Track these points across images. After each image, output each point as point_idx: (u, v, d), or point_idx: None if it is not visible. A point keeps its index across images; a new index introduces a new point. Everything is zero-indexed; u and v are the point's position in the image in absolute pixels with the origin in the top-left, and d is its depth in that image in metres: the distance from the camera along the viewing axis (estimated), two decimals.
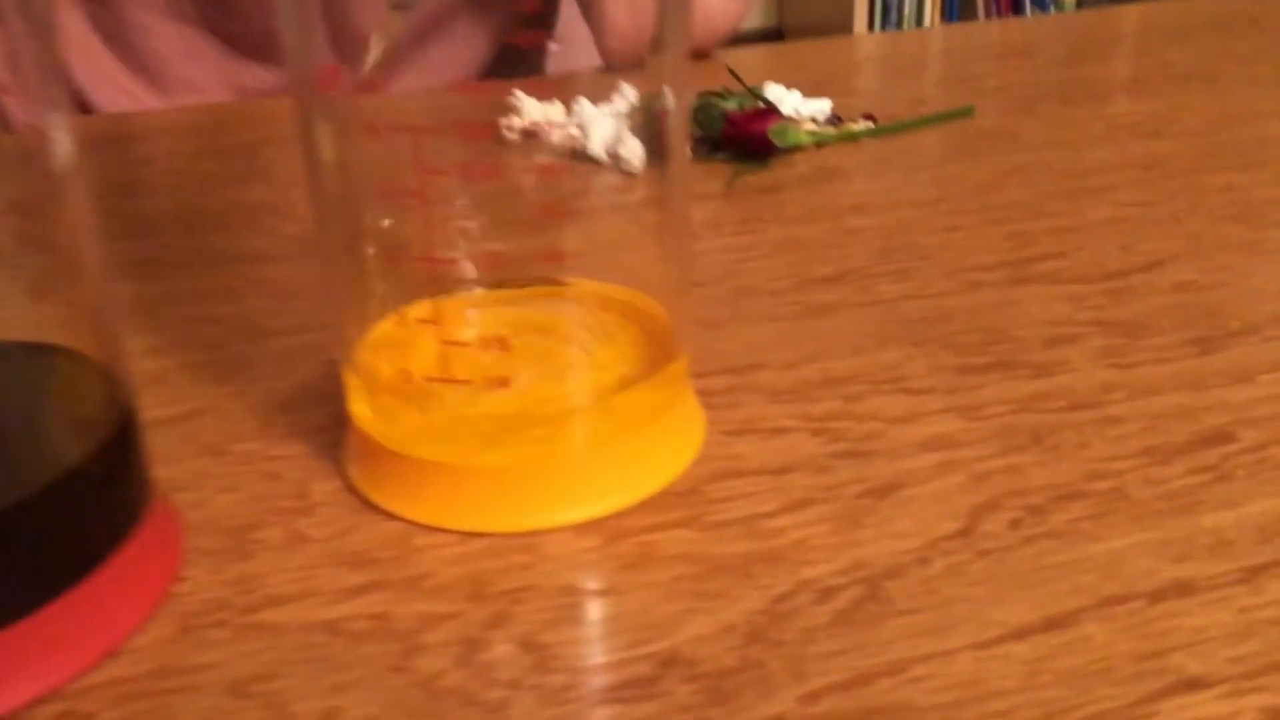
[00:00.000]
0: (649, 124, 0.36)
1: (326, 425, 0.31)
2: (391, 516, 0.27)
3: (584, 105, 0.42)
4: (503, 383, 0.26)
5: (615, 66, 0.44)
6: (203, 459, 0.30)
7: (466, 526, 0.27)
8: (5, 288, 0.24)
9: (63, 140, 0.23)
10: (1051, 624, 0.23)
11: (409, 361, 0.27)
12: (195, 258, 0.43)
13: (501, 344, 0.26)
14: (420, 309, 0.26)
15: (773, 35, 2.46)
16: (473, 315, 0.28)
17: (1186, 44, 0.68)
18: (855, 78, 0.66)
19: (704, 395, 0.32)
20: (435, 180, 0.24)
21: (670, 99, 0.29)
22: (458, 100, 0.31)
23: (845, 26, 2.16)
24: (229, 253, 0.44)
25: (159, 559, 0.26)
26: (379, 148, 0.28)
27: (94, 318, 0.24)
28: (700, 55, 0.70)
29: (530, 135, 0.48)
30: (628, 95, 0.38)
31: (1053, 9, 2.18)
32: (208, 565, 0.26)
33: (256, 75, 0.71)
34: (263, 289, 0.40)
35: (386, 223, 0.28)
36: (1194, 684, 0.22)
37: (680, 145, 0.28)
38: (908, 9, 2.19)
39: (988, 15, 2.19)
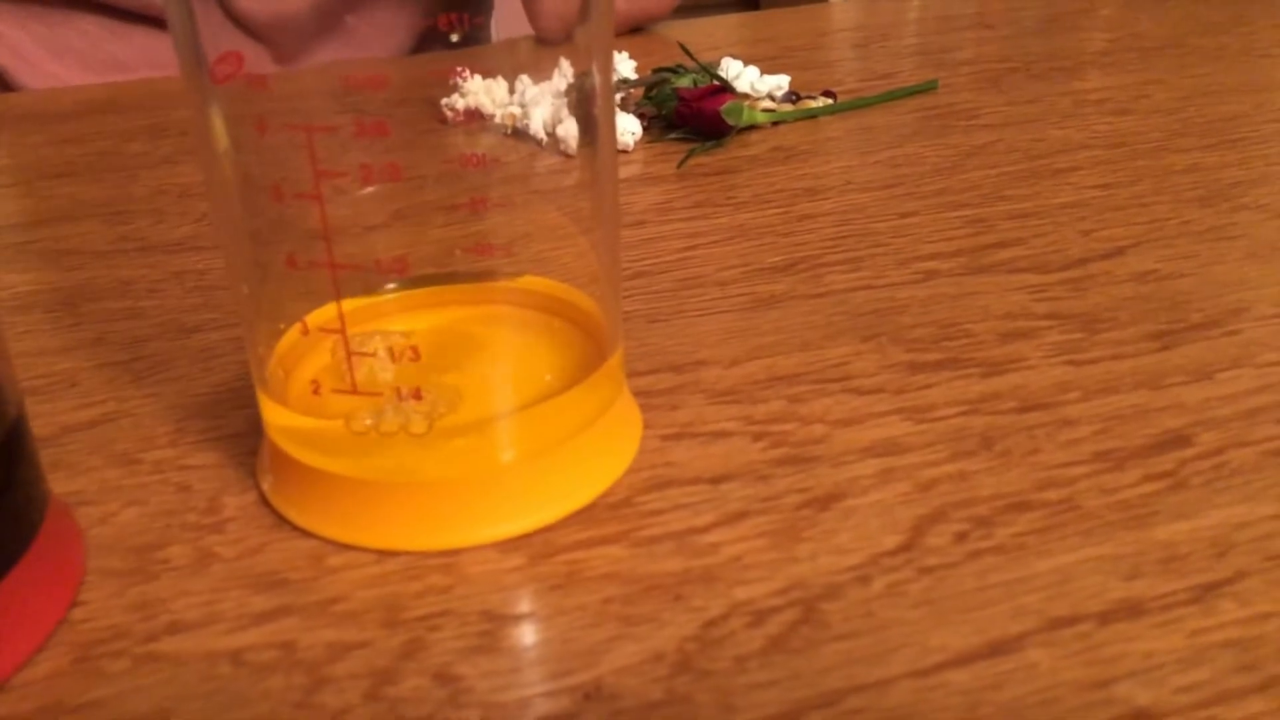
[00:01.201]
0: (581, 103, 0.34)
1: (244, 430, 0.30)
2: (306, 534, 0.26)
3: (526, 84, 0.40)
4: (415, 394, 0.24)
5: (548, 40, 0.42)
6: (112, 469, 0.29)
7: (383, 545, 0.25)
8: None
9: None
10: (994, 649, 0.22)
11: (316, 373, 0.25)
12: (120, 245, 0.41)
13: (413, 353, 0.25)
14: (321, 316, 0.24)
15: (749, 3, 2.43)
16: (380, 321, 0.26)
17: (1158, 14, 0.66)
18: (822, 50, 0.64)
19: (643, 395, 0.30)
20: (333, 179, 0.23)
21: (596, 77, 0.28)
22: (398, 76, 0.29)
23: None
24: (154, 240, 0.42)
25: (54, 582, 0.24)
26: (277, 142, 0.26)
27: None
28: (648, 21, 0.68)
29: (473, 115, 0.47)
30: (565, 73, 0.36)
31: None
32: (109, 588, 0.25)
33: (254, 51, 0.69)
34: (186, 280, 0.39)
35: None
36: (1141, 715, 0.21)
37: (607, 126, 0.27)
38: None
39: None
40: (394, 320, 0.26)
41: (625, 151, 0.50)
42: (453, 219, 0.27)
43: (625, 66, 0.58)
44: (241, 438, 0.30)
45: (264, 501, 0.27)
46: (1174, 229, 0.39)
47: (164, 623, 0.24)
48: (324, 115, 0.24)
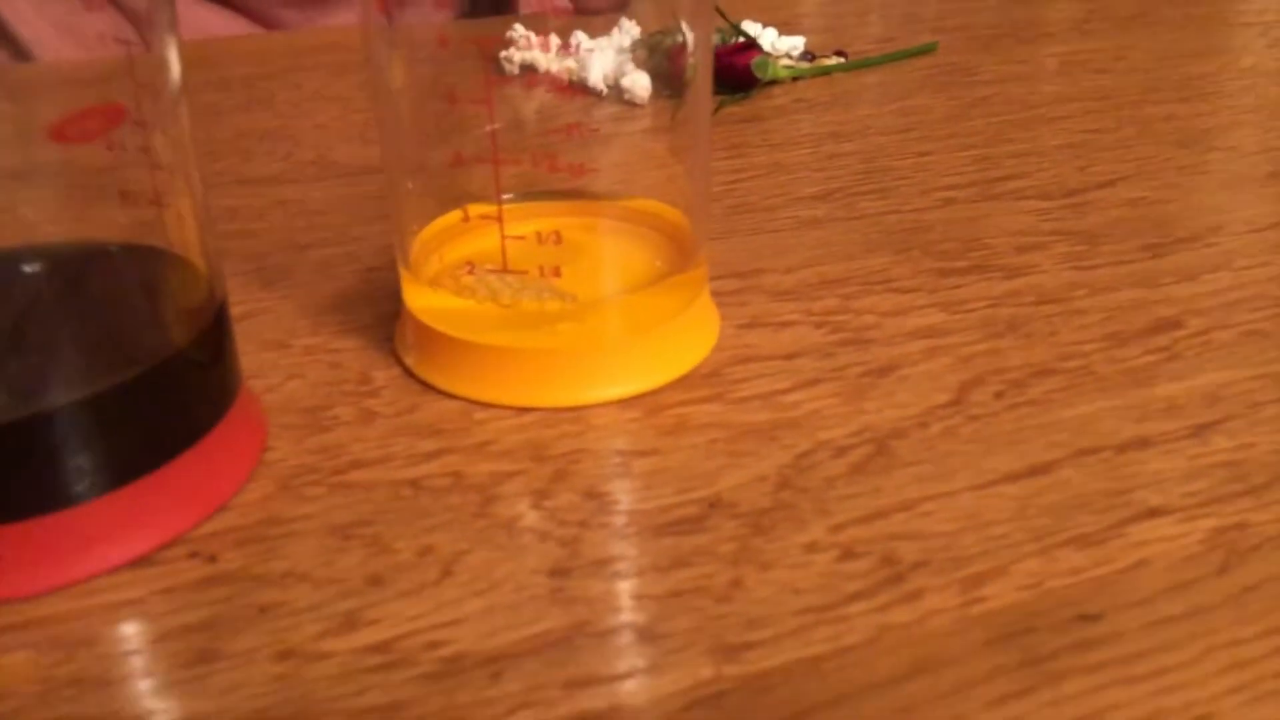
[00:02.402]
0: (655, 58, 0.39)
1: (374, 323, 0.35)
2: (450, 396, 0.31)
3: (581, 39, 0.45)
4: (555, 271, 0.29)
5: (589, 10, 0.47)
6: (268, 352, 0.33)
7: (520, 402, 0.30)
8: (113, 196, 0.27)
9: (174, 60, 0.26)
10: (1035, 470, 0.27)
11: (472, 253, 0.30)
12: (217, 179, 0.46)
13: (556, 237, 0.29)
14: (482, 208, 0.29)
15: None
16: (526, 217, 0.31)
17: None
18: (824, 17, 0.69)
19: (716, 295, 0.35)
20: (498, 91, 0.28)
21: (690, 35, 0.32)
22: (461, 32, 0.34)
23: None
24: (248, 175, 0.46)
25: (251, 431, 0.29)
26: (428, 65, 0.31)
27: (196, 223, 0.27)
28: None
29: (528, 68, 0.51)
30: (629, 30, 0.41)
31: None
32: (291, 438, 0.29)
33: (224, 20, 0.73)
34: (287, 208, 0.43)
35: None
36: (1155, 512, 0.26)
37: (705, 77, 0.31)
38: None
39: None
40: (516, 223, 0.31)
41: (640, 105, 0.54)
42: (566, 145, 0.32)
43: (633, 31, 0.63)
44: (374, 328, 0.34)
45: (408, 374, 0.32)
46: (1157, 165, 0.45)
47: (346, 460, 0.28)
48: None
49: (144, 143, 0.25)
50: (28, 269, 0.27)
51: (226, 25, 0.73)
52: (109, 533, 0.25)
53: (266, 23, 0.75)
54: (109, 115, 0.23)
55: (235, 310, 0.35)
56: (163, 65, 0.25)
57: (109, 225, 0.27)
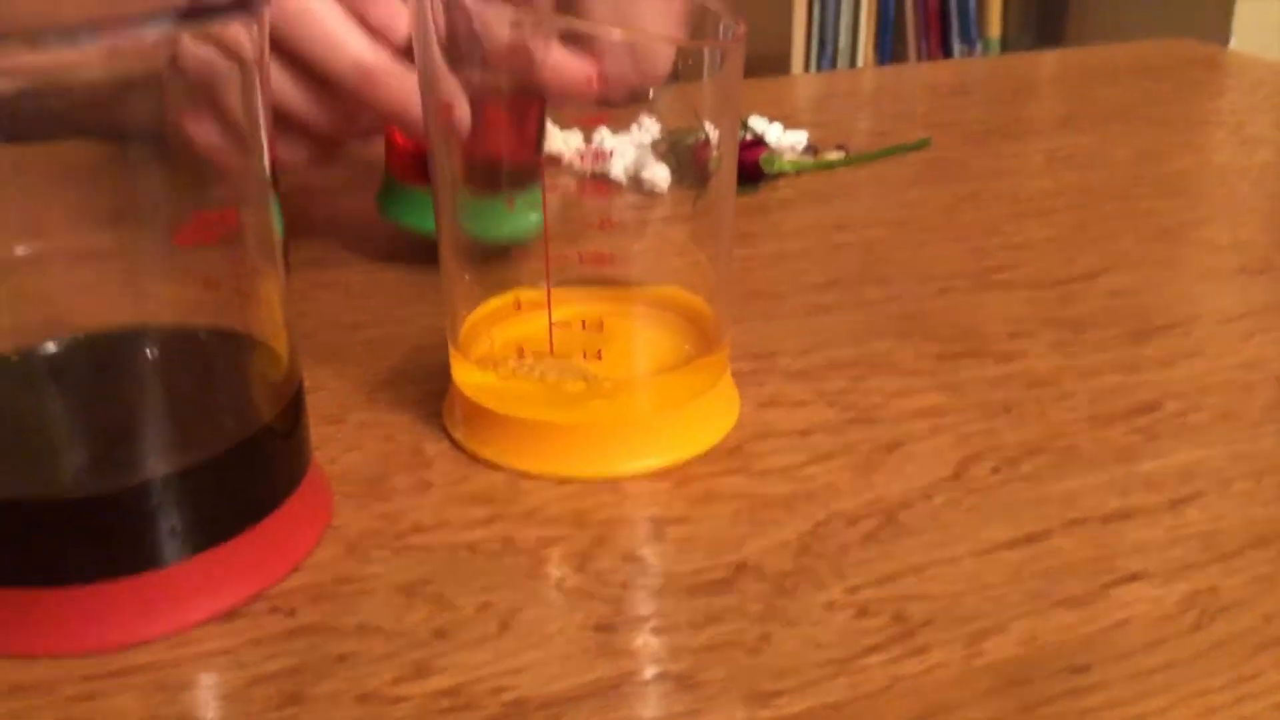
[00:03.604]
0: (678, 153, 0.42)
1: (423, 399, 0.38)
2: (497, 468, 0.34)
3: (604, 135, 0.49)
4: (598, 355, 0.33)
5: (609, 105, 0.51)
6: (326, 426, 0.36)
7: (562, 473, 0.33)
8: (200, 283, 0.30)
9: (271, 207, 0.29)
10: (1029, 539, 0.31)
11: (521, 337, 0.34)
12: None
13: (599, 324, 0.33)
14: (530, 293, 0.33)
15: None
16: (568, 303, 0.34)
17: (1109, 86, 0.77)
18: (814, 113, 0.74)
19: (736, 376, 0.39)
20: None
21: (714, 132, 0.36)
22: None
23: (783, 59, 2.26)
24: (295, 259, 0.49)
25: (320, 499, 0.32)
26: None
27: (280, 311, 0.30)
28: (636, 97, 0.77)
29: (552, 161, 0.55)
30: (649, 128, 0.45)
31: (979, 45, 2.31)
32: (353, 506, 0.32)
33: None
34: (333, 290, 0.46)
35: None
36: (1135, 576, 0.29)
37: (730, 169, 0.35)
38: (843, 40, 2.30)
39: (918, 49, 2.31)
40: (561, 309, 0.34)
41: (660, 194, 0.58)
42: (598, 236, 0.35)
43: (654, 127, 0.67)
44: (423, 404, 0.37)
45: (457, 447, 0.35)
46: (1137, 258, 0.49)
47: (407, 525, 0.31)
48: None
49: (239, 238, 0.29)
50: (129, 351, 0.30)
51: None
52: (201, 589, 0.28)
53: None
54: (225, 222, 0.27)
55: None
56: (260, 172, 0.29)
57: (198, 309, 0.31)
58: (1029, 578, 0.29)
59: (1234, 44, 1.80)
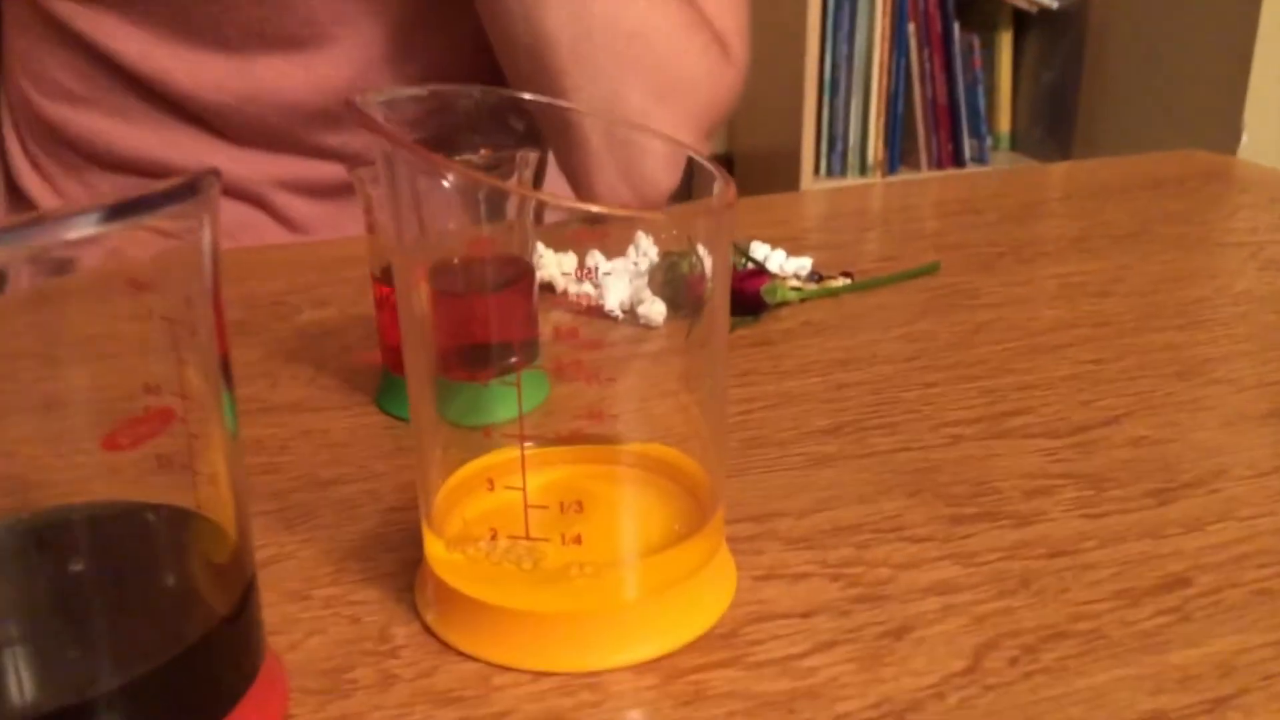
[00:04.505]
0: (673, 282, 0.40)
1: (396, 570, 0.35)
2: (469, 657, 0.31)
3: (600, 262, 0.47)
4: (576, 539, 0.30)
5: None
6: (290, 604, 0.34)
7: (538, 666, 0.30)
8: (150, 460, 0.28)
9: (207, 335, 0.27)
10: None
11: (493, 517, 0.31)
12: (244, 407, 0.47)
13: (578, 506, 0.30)
14: (506, 476, 0.30)
15: (723, 162, 2.57)
16: (545, 467, 0.32)
17: (1122, 202, 0.75)
18: (820, 233, 0.72)
19: (731, 541, 0.36)
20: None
21: (706, 262, 0.34)
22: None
23: (794, 154, 2.27)
24: (273, 402, 0.47)
25: (274, 699, 0.29)
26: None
27: (227, 487, 0.28)
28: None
29: (545, 289, 0.53)
30: (646, 250, 0.42)
31: (989, 139, 2.31)
32: (311, 704, 0.30)
33: (243, 213, 0.76)
34: (311, 438, 0.44)
35: None
36: None
37: (722, 310, 0.33)
38: (853, 138, 2.31)
39: (928, 144, 2.32)
40: (535, 474, 0.32)
41: (655, 328, 0.56)
42: (579, 388, 0.33)
43: (651, 251, 0.65)
44: (395, 575, 0.35)
45: (427, 630, 0.32)
46: (1159, 400, 0.46)
47: None
48: None
49: (182, 413, 0.26)
50: (56, 536, 0.28)
51: (242, 217, 0.76)
52: None
53: (283, 216, 0.78)
54: (159, 421, 0.24)
55: (258, 556, 0.36)
56: (208, 352, 0.27)
57: (144, 485, 0.28)
58: None
59: (1245, 140, 1.79)
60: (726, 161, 2.61)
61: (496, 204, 0.45)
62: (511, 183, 0.42)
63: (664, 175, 0.66)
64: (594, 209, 0.30)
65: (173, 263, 0.26)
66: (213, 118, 0.74)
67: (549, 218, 0.52)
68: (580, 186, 0.70)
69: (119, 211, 0.21)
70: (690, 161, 0.34)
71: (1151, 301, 0.57)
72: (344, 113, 0.76)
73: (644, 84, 0.67)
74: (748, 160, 2.51)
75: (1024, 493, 0.39)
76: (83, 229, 0.20)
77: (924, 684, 0.30)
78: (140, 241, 0.24)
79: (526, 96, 0.37)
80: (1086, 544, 0.36)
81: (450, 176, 0.30)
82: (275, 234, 0.78)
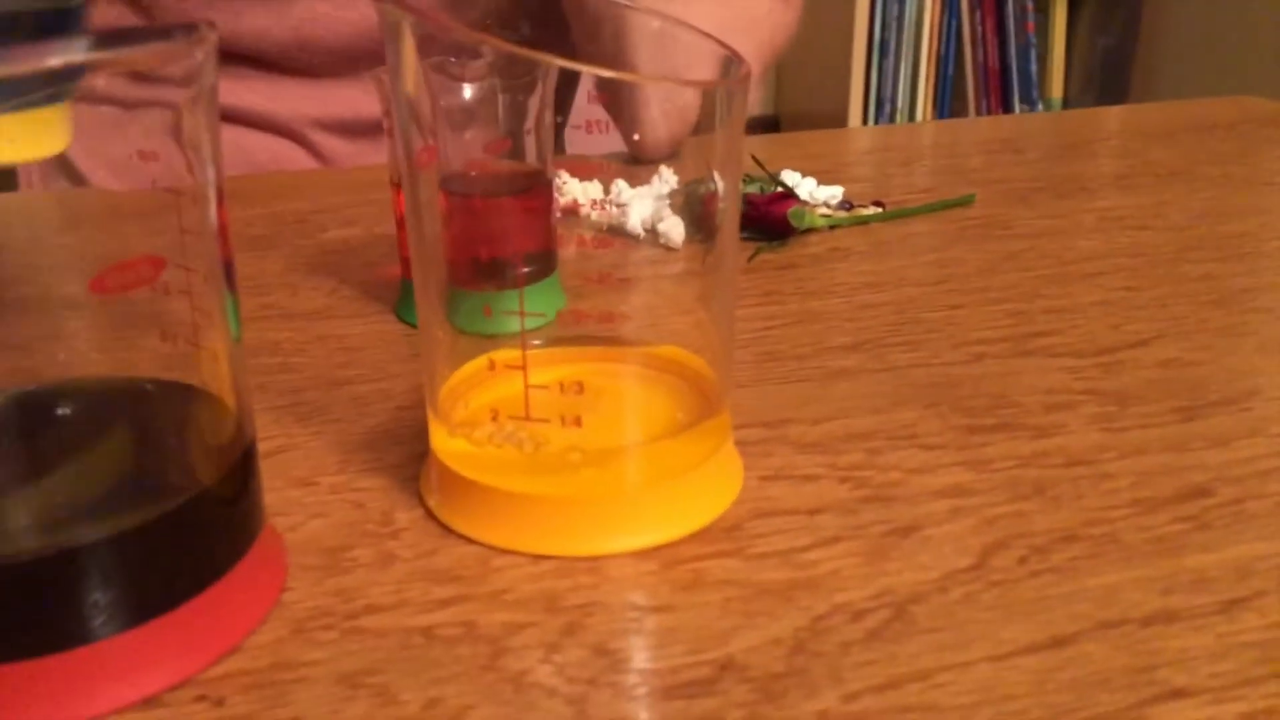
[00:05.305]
0: (691, 205, 0.40)
1: (402, 462, 0.35)
2: (469, 541, 0.31)
3: (622, 187, 0.46)
4: (576, 421, 0.30)
5: (644, 161, 0.49)
6: (294, 489, 0.34)
7: (538, 549, 0.30)
8: (152, 331, 0.28)
9: (213, 214, 0.27)
10: (1056, 643, 0.27)
11: (495, 401, 0.31)
12: (264, 313, 0.47)
13: (578, 387, 0.30)
14: (507, 355, 0.30)
15: (770, 125, 2.54)
16: (550, 364, 0.31)
17: (1169, 144, 0.73)
18: (857, 167, 0.71)
19: (740, 445, 0.35)
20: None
21: (720, 183, 0.33)
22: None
23: (840, 117, 2.24)
24: (293, 309, 0.47)
25: (270, 572, 0.29)
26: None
27: (227, 363, 0.28)
28: (676, 152, 0.75)
29: (569, 212, 0.53)
30: (668, 179, 0.42)
31: (1040, 105, 2.27)
32: (309, 579, 0.30)
33: (278, 146, 0.76)
34: (327, 343, 0.44)
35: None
36: (1179, 693, 0.25)
37: (732, 223, 0.32)
38: (901, 101, 2.27)
39: (978, 108, 2.28)
40: (549, 369, 0.31)
41: (675, 249, 0.55)
42: (594, 292, 0.33)
43: (672, 179, 0.65)
44: (401, 467, 0.35)
45: (430, 517, 0.32)
46: (1192, 325, 0.45)
47: (361, 605, 0.28)
48: None
49: (185, 285, 0.26)
50: (60, 405, 0.28)
51: (279, 152, 0.76)
52: (121, 673, 0.25)
53: (318, 152, 0.78)
54: (148, 268, 0.24)
55: (267, 446, 0.36)
56: (205, 216, 0.26)
57: (146, 359, 0.28)
58: (1053, 690, 0.25)
59: None
60: (773, 123, 2.59)
61: (517, 110, 0.44)
62: (541, 55, 0.41)
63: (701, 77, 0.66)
64: (606, 73, 0.29)
65: (172, 125, 0.25)
66: (252, 60, 0.74)
67: (571, 146, 0.51)
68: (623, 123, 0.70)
69: (111, 40, 0.21)
70: (727, 68, 0.34)
71: (1190, 235, 0.55)
72: (380, 49, 0.76)
73: (711, 11, 0.67)
74: (794, 122, 2.48)
75: (1044, 407, 0.38)
76: (70, 55, 0.20)
77: (928, 578, 0.29)
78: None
79: None
80: (1106, 455, 0.35)
81: (479, 47, 0.30)
82: (310, 168, 0.78)
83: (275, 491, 0.33)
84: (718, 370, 0.33)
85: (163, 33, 0.22)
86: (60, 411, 0.28)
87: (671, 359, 0.34)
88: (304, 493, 0.34)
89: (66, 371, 0.29)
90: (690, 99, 0.69)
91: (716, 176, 0.33)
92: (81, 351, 0.28)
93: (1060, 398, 0.39)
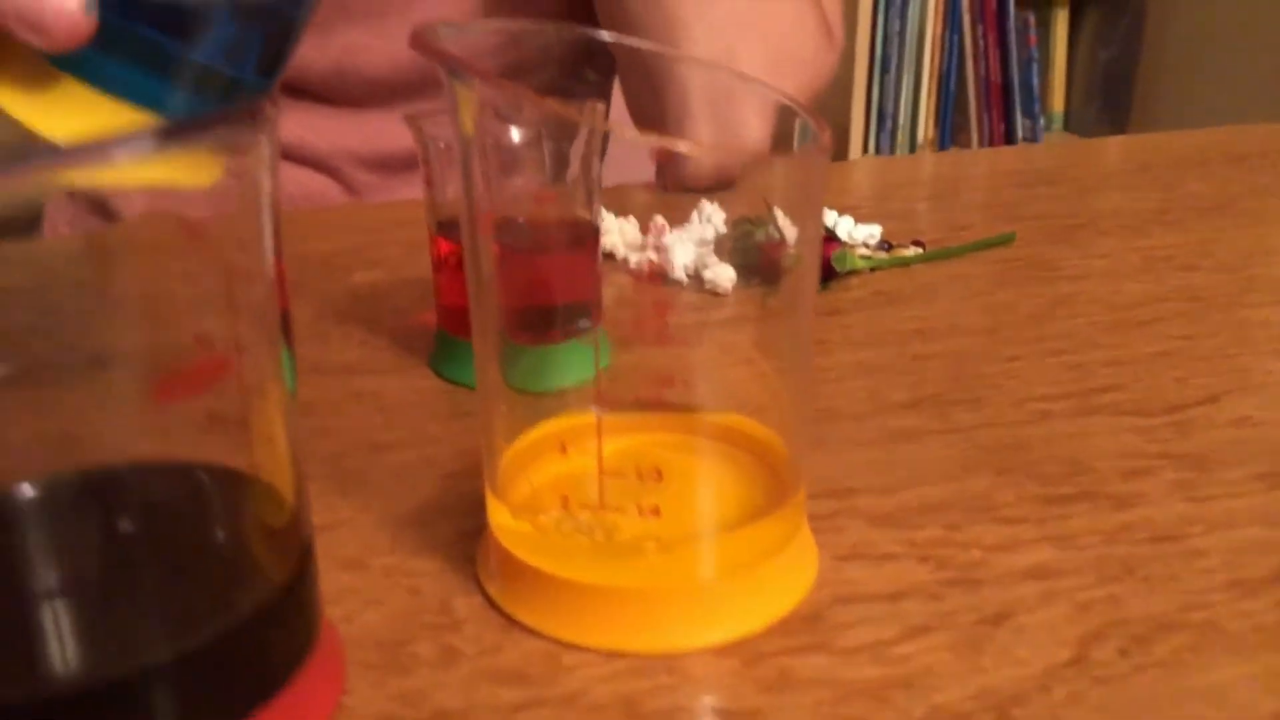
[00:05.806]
0: (745, 250, 0.38)
1: (455, 539, 0.33)
2: (535, 634, 0.29)
3: (664, 229, 0.45)
4: (655, 511, 0.28)
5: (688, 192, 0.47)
6: (346, 573, 0.32)
7: (611, 645, 0.28)
8: (202, 416, 0.26)
9: (265, 285, 0.25)
10: None
11: (565, 483, 0.29)
12: (297, 366, 0.45)
13: (657, 474, 0.28)
14: (577, 426, 0.28)
15: None
16: (617, 433, 0.30)
17: (1205, 176, 0.72)
18: (888, 201, 0.69)
19: (812, 518, 0.34)
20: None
21: (789, 227, 0.32)
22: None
23: (842, 130, 2.23)
24: (324, 363, 0.46)
25: (330, 675, 0.27)
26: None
27: (284, 448, 0.26)
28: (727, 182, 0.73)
29: (608, 256, 0.51)
30: (714, 220, 0.40)
31: (1042, 120, 2.26)
32: (370, 679, 0.28)
33: (305, 177, 0.74)
34: (363, 401, 0.42)
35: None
36: None
37: (811, 272, 0.30)
38: (903, 116, 2.26)
39: (979, 125, 2.27)
40: (619, 441, 0.30)
41: (723, 295, 0.54)
42: (652, 353, 0.31)
43: (717, 217, 0.63)
44: (454, 545, 0.33)
45: (490, 604, 0.30)
46: (1259, 378, 0.43)
47: (429, 712, 0.27)
48: None
49: (242, 381, 0.25)
50: (103, 495, 0.26)
51: (306, 183, 0.75)
52: None
53: (349, 184, 0.76)
54: (212, 372, 0.23)
55: (314, 522, 0.34)
56: (266, 304, 0.25)
57: (191, 434, 0.26)
58: None
59: None
60: None
61: (560, 157, 0.43)
62: (587, 108, 0.39)
63: (758, 129, 0.64)
64: (683, 145, 0.28)
65: (229, 203, 0.24)
66: (291, 90, 0.72)
67: (609, 179, 0.50)
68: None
69: (171, 134, 0.19)
70: (786, 116, 0.32)
71: (1243, 276, 0.54)
72: (418, 81, 0.74)
73: (760, 51, 0.65)
74: None
75: (1120, 473, 0.37)
76: (134, 149, 0.18)
77: (1027, 674, 0.28)
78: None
79: (626, 40, 0.34)
80: (1193, 528, 0.34)
81: (523, 105, 0.28)
82: (335, 201, 0.77)
83: (326, 575, 0.31)
84: (791, 444, 0.32)
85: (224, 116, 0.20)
86: (104, 504, 0.27)
87: (741, 431, 0.32)
88: (355, 577, 0.32)
89: (102, 448, 0.27)
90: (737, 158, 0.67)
91: (782, 218, 0.32)
92: (119, 427, 0.27)
93: (1136, 463, 0.37)
